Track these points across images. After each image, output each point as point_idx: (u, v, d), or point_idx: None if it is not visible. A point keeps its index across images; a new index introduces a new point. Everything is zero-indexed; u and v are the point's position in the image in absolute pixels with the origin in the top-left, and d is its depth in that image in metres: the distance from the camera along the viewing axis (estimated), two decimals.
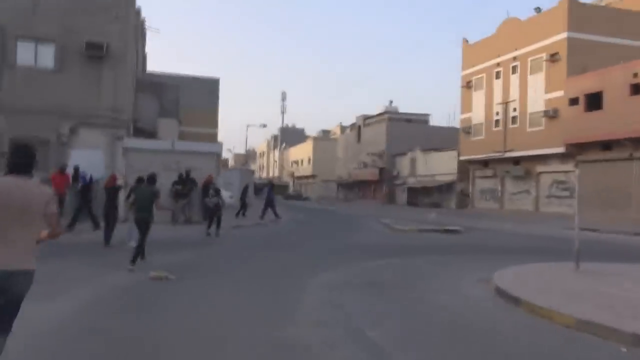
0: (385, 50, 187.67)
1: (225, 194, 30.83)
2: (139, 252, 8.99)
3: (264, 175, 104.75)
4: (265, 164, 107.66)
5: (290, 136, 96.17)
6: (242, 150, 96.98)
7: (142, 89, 25.01)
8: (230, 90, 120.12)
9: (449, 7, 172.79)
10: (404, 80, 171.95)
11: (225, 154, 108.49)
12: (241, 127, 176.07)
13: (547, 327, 5.81)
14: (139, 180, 14.36)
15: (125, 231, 11.56)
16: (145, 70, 32.12)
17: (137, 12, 24.46)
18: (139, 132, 24.01)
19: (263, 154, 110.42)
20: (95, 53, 17.84)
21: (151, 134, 24.51)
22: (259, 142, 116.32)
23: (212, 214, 14.81)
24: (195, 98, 48.67)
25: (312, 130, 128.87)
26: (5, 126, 17.29)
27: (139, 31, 24.44)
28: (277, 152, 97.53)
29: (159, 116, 35.00)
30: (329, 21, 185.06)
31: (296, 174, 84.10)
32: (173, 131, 36.48)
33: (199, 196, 18.89)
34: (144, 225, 9.15)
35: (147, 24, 29.65)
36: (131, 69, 20.85)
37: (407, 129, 55.36)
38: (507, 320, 6.14)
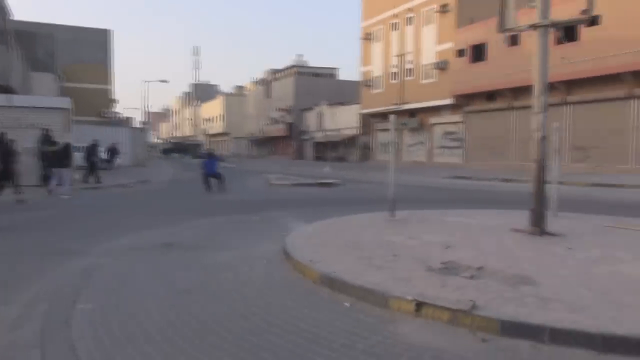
0: (301, 2, 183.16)
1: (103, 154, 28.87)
2: None
3: (177, 134, 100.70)
4: (179, 123, 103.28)
5: (204, 93, 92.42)
6: (156, 109, 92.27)
7: None
8: (139, 45, 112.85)
9: None
10: (317, 34, 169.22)
11: (131, 113, 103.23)
12: (150, 84, 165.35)
13: (291, 282, 5.38)
14: None
15: None
16: (6, 18, 28.43)
17: None
18: None
19: (177, 112, 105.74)
20: None
21: (5, 89, 21.83)
22: (172, 100, 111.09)
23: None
24: (82, 51, 44.70)
25: (228, 87, 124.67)
26: None
27: None
28: (190, 110, 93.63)
29: (30, 70, 31.67)
30: None
31: (209, 132, 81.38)
32: (49, 86, 33.23)
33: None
34: None
35: None
36: None
37: (315, 84, 54.68)
38: (260, 277, 5.65)
